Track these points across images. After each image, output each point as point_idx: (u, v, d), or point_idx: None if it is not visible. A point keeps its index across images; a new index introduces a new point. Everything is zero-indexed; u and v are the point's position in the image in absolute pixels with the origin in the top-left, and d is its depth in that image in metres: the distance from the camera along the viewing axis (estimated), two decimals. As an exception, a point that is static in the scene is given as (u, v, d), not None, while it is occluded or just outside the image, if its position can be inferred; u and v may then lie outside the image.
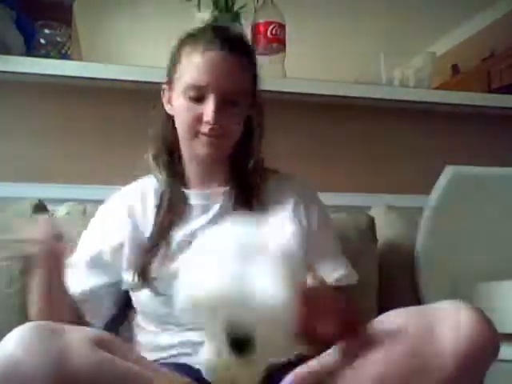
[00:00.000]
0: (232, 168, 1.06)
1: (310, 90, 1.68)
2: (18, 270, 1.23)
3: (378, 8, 2.97)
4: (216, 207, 1.03)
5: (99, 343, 0.72)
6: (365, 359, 0.80)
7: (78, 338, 0.70)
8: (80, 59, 2.00)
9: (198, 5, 1.64)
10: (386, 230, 1.48)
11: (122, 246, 1.03)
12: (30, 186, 1.49)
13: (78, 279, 1.00)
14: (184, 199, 1.04)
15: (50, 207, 1.35)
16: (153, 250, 0.99)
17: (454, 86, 2.51)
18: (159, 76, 1.50)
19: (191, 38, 1.00)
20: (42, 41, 1.55)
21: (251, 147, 1.05)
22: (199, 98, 0.96)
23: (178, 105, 1.01)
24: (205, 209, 1.04)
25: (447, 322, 0.76)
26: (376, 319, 0.86)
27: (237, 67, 0.97)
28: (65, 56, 1.58)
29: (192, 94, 0.96)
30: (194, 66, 0.97)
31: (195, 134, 0.98)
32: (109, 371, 0.70)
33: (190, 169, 1.07)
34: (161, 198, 1.05)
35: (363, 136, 1.81)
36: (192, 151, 1.03)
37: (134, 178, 1.12)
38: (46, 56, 1.53)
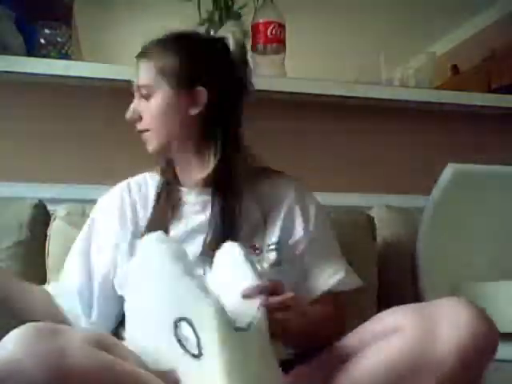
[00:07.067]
0: (216, 166, 1.04)
1: (309, 90, 1.68)
2: (18, 270, 1.24)
3: (378, 8, 2.97)
4: (209, 206, 1.04)
5: (99, 344, 0.72)
6: (365, 357, 0.81)
7: (77, 339, 0.70)
8: (80, 59, 2.00)
9: (198, 5, 1.64)
10: (386, 230, 1.48)
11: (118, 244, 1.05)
12: (30, 186, 1.49)
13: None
14: (178, 195, 1.07)
15: (49, 207, 1.35)
16: None
17: (453, 85, 2.50)
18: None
19: None
20: (42, 41, 1.54)
21: (232, 145, 1.05)
22: None
23: None
24: (199, 206, 1.05)
25: (447, 320, 0.76)
26: (375, 316, 0.86)
27: (143, 67, 1.06)
28: (65, 56, 1.57)
29: None
30: None
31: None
32: (108, 372, 0.70)
33: (177, 166, 1.10)
34: (158, 194, 1.08)
35: (363, 136, 1.81)
36: None
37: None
38: (46, 56, 1.53)
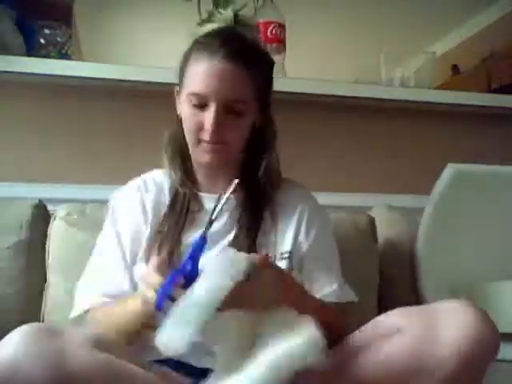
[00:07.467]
0: (242, 175, 1.04)
1: (309, 90, 1.68)
2: (18, 270, 1.24)
3: (378, 8, 2.97)
4: (227, 213, 1.02)
5: (98, 344, 0.72)
6: (366, 358, 0.81)
7: (76, 340, 0.70)
8: (80, 59, 2.00)
9: (198, 5, 1.64)
10: (387, 229, 1.48)
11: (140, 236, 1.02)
12: (30, 186, 1.49)
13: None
14: (198, 201, 1.04)
15: (50, 207, 1.35)
16: (160, 248, 0.98)
17: (454, 85, 2.50)
18: (159, 76, 1.51)
19: (199, 45, 0.98)
20: (42, 41, 1.55)
21: (261, 155, 1.05)
22: (202, 106, 0.96)
23: (183, 110, 1.00)
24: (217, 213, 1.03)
25: (448, 321, 0.76)
26: (376, 318, 0.86)
27: (240, 78, 0.95)
28: (65, 56, 1.58)
29: (194, 101, 0.96)
30: (197, 74, 0.96)
31: (197, 141, 0.98)
32: (107, 372, 0.70)
33: (199, 172, 1.07)
34: (174, 197, 1.05)
35: (363, 136, 1.81)
36: (196, 157, 1.03)
37: (135, 177, 1.12)
38: (46, 56, 1.53)
